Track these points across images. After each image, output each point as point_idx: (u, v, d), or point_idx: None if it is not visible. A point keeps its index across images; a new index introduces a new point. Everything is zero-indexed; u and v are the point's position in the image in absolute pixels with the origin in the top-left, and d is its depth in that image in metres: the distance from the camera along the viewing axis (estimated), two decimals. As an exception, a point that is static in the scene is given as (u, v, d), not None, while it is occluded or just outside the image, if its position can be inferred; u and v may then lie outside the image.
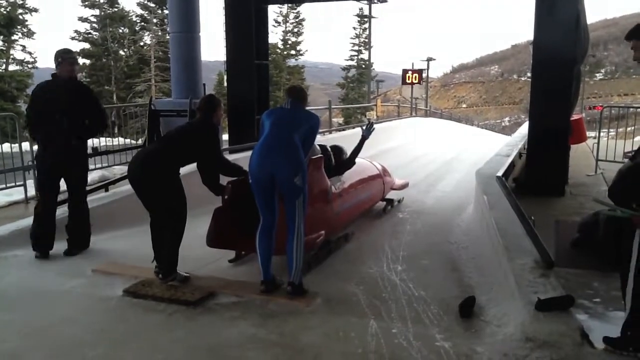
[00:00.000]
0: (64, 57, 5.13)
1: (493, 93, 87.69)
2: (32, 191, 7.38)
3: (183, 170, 4.47)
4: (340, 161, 6.24)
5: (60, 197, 5.38)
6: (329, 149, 6.12)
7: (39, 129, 5.15)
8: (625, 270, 3.10)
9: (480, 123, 43.81)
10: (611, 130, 10.78)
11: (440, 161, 12.21)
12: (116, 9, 37.98)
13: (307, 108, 4.72)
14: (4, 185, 7.33)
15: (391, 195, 7.43)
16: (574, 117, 8.76)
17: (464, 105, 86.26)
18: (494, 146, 11.74)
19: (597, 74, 74.05)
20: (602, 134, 10.13)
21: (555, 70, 7.37)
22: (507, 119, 73.29)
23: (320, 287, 4.33)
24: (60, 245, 5.16)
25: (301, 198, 4.16)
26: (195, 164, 4.60)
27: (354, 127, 16.28)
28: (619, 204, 3.13)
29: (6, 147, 8.90)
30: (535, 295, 3.50)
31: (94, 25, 37.65)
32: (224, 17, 9.91)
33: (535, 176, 7.62)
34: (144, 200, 4.48)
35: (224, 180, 4.77)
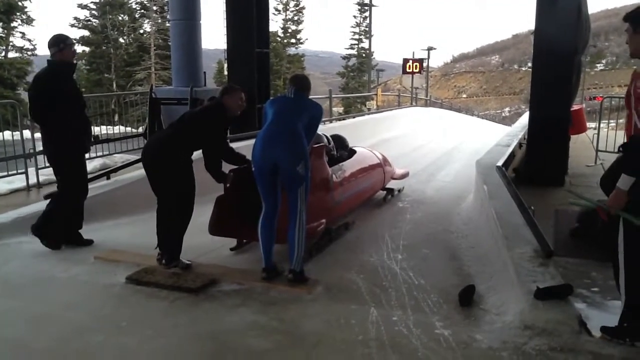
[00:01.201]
0: (68, 42, 5.03)
1: (493, 83, 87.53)
2: (33, 179, 7.40)
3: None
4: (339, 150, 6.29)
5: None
6: (331, 138, 6.14)
7: (73, 118, 4.95)
8: (616, 262, 3.15)
9: (480, 113, 43.78)
10: (611, 121, 10.78)
11: (440, 151, 12.23)
12: (116, -4, 37.81)
13: (312, 96, 4.72)
14: (5, 173, 7.34)
15: (391, 184, 7.46)
16: (574, 107, 8.77)
17: (464, 95, 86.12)
18: (494, 136, 11.77)
19: (598, 65, 73.90)
20: (602, 124, 10.14)
21: (556, 61, 7.36)
22: (507, 109, 73.22)
23: (321, 275, 4.37)
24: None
25: (303, 186, 4.19)
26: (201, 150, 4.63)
27: (354, 117, 16.31)
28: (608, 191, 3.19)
29: (7, 134, 8.90)
30: (534, 284, 3.54)
31: (94, 12, 37.47)
32: (225, 4, 9.87)
33: (535, 166, 7.63)
34: (155, 185, 4.50)
35: (226, 168, 4.79)
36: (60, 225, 5.03)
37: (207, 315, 3.68)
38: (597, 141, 9.30)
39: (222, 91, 4.69)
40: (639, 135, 3.00)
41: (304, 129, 4.24)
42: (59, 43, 4.96)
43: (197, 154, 4.57)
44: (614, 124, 11.23)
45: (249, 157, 4.51)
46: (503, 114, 65.81)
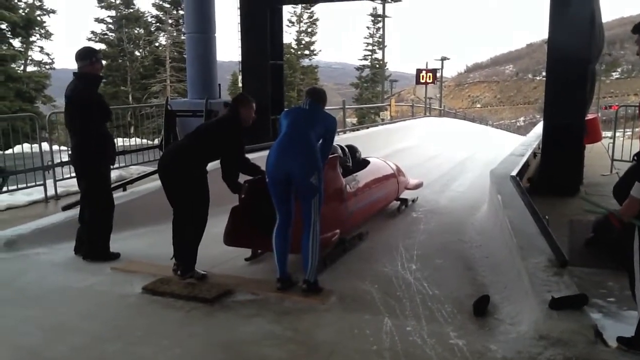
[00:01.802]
0: (98, 56, 5.19)
1: (508, 93, 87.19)
2: (51, 191, 7.51)
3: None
4: (353, 160, 6.33)
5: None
6: (346, 148, 6.18)
7: (97, 129, 5.09)
8: (631, 271, 3.14)
9: (494, 123, 43.55)
10: (627, 130, 10.70)
11: (454, 161, 12.17)
12: (132, 10, 38.27)
13: (326, 107, 4.75)
14: (24, 185, 7.46)
15: (405, 194, 7.46)
16: (589, 116, 8.73)
17: (479, 105, 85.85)
18: (508, 146, 11.71)
19: (614, 73, 73.34)
20: (618, 133, 10.08)
21: (570, 69, 7.35)
22: (522, 118, 72.85)
23: (335, 285, 4.39)
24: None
25: (317, 197, 4.21)
26: (217, 161, 4.68)
27: (367, 127, 16.35)
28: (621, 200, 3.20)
29: (26, 147, 9.05)
30: (548, 294, 3.52)
31: (110, 26, 37.96)
32: (239, 18, 9.98)
33: (550, 176, 7.60)
34: (170, 194, 4.56)
35: (241, 179, 4.84)
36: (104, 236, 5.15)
37: (222, 325, 3.71)
38: (613, 150, 9.24)
39: (237, 102, 4.73)
40: None
41: (318, 139, 4.29)
42: (91, 57, 5.08)
43: (213, 165, 4.63)
44: (630, 133, 11.15)
45: (263, 167, 4.55)
46: (518, 124, 65.43)
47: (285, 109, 5.26)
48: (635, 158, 3.26)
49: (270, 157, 4.29)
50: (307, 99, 4.47)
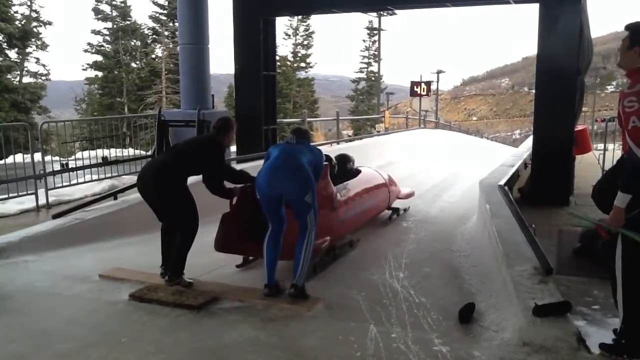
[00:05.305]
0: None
1: (504, 106, 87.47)
2: (42, 200, 7.52)
3: (191, 180, 4.63)
4: (345, 169, 6.37)
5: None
6: (333, 158, 6.23)
7: None
8: (614, 278, 3.17)
9: (490, 136, 43.72)
10: (618, 141, 10.78)
11: (446, 172, 12.16)
12: (128, 22, 38.38)
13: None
14: (16, 194, 7.46)
15: (397, 204, 7.49)
16: (578, 127, 8.80)
17: (475, 118, 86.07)
18: (502, 157, 11.74)
19: (609, 87, 73.68)
20: (612, 145, 10.16)
21: (559, 82, 7.43)
22: (517, 131, 72.95)
23: (322, 293, 4.41)
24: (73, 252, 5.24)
25: (312, 212, 4.34)
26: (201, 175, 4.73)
27: (361, 139, 16.42)
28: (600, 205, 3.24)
29: (19, 156, 9.07)
30: (533, 301, 3.54)
31: (107, 37, 38.03)
32: (233, 30, 10.06)
33: (540, 186, 7.65)
34: (156, 211, 4.67)
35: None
36: None
37: (208, 332, 3.72)
38: (604, 161, 9.30)
39: (225, 128, 4.81)
40: (630, 153, 3.02)
41: (309, 165, 4.42)
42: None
43: (199, 177, 4.69)
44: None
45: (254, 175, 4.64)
46: (513, 137, 65.50)
47: (274, 144, 5.42)
48: (617, 164, 3.30)
49: (261, 177, 4.40)
50: (293, 136, 4.68)
